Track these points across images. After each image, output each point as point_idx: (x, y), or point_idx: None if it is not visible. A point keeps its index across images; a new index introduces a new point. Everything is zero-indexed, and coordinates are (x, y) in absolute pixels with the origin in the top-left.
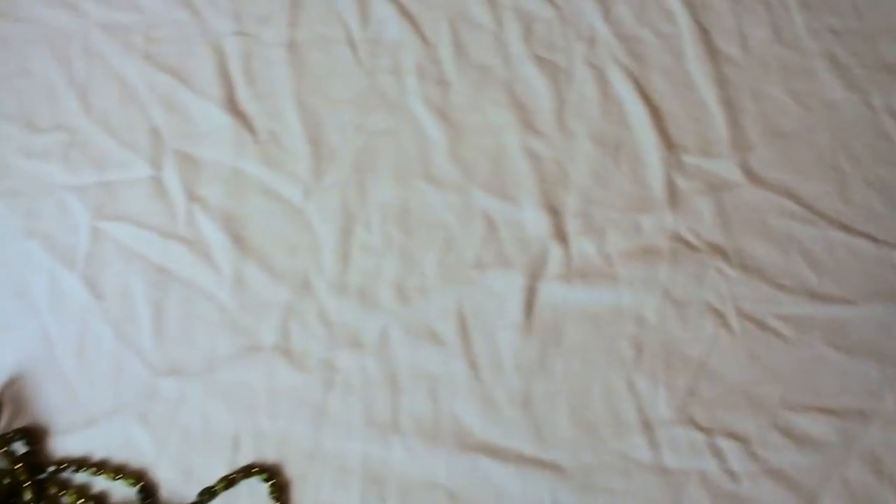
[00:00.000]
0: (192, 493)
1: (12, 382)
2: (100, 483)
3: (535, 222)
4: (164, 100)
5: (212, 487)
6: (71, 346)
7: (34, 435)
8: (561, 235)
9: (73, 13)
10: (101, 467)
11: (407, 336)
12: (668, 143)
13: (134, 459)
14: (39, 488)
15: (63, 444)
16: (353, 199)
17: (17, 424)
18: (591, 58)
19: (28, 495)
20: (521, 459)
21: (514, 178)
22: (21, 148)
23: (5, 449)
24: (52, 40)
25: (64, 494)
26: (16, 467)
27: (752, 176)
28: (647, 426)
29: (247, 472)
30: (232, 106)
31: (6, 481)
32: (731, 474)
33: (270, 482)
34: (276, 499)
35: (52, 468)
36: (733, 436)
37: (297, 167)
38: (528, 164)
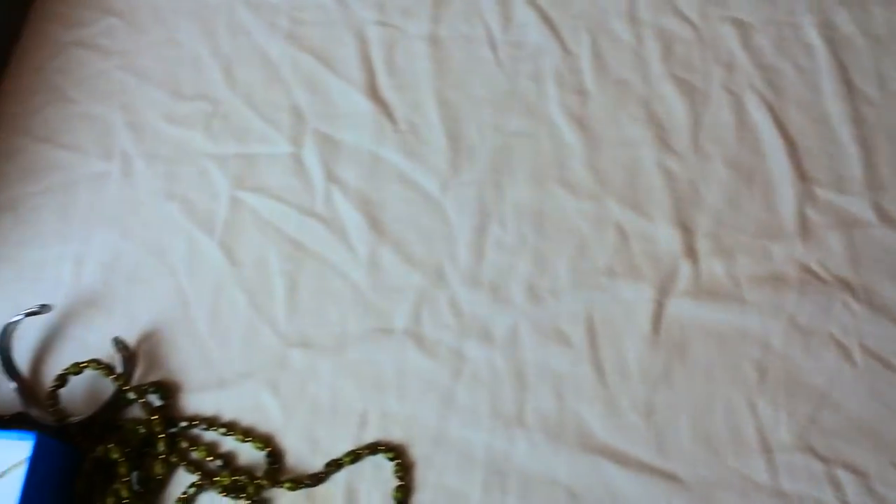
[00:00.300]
0: (317, 463)
1: (148, 337)
2: (228, 443)
3: (667, 238)
4: (306, 80)
5: (338, 460)
6: (206, 309)
7: (168, 389)
8: (691, 253)
9: None
10: (231, 428)
11: (536, 334)
12: (802, 174)
13: (261, 424)
14: (171, 441)
15: (194, 402)
16: (490, 197)
17: (152, 378)
18: (728, 83)
19: (161, 446)
20: (641, 466)
21: (647, 193)
22: (165, 114)
23: (143, 400)
24: (199, 13)
25: (194, 450)
26: (152, 419)
27: (884, 216)
28: (767, 449)
29: (373, 448)
30: (373, 93)
31: (142, 431)
32: None
33: (396, 461)
34: (401, 478)
35: (183, 423)
36: (852, 469)
37: (435, 160)
38: (663, 180)
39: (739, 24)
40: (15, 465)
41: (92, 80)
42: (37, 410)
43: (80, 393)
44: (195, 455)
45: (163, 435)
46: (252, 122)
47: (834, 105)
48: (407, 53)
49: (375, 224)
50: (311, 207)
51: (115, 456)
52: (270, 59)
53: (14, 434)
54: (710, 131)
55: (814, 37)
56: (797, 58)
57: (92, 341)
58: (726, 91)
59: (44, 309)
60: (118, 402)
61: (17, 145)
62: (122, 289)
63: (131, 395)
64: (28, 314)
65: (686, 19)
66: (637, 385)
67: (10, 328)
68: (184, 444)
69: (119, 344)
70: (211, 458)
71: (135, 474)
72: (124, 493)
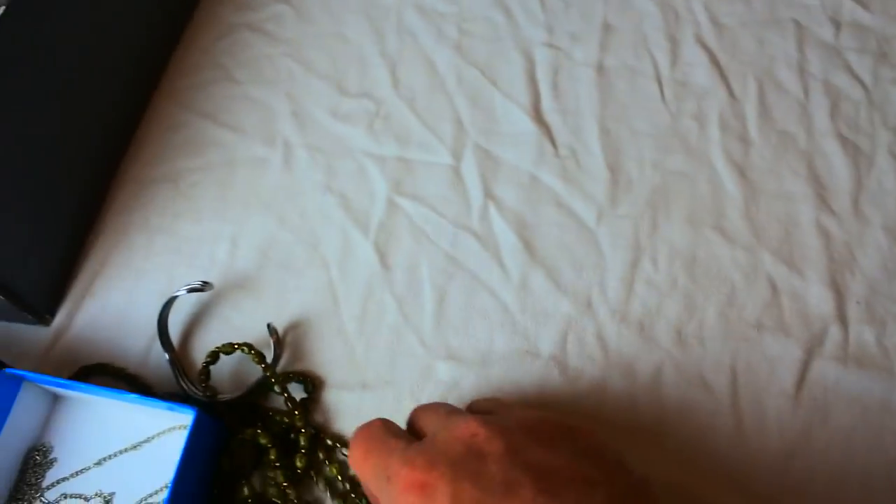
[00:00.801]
0: None
1: (295, 326)
2: None
3: (819, 299)
4: (470, 93)
5: None
6: (355, 307)
7: (312, 382)
8: (842, 318)
9: None
10: None
11: (679, 378)
12: None
13: None
14: (314, 437)
15: (335, 399)
16: (644, 233)
17: (296, 368)
18: (894, 148)
19: (302, 441)
20: None
21: (802, 251)
22: (329, 108)
23: (286, 394)
24: (367, 11)
25: (340, 449)
26: (295, 413)
27: None
28: None
29: None
30: (537, 115)
31: (284, 422)
32: None
33: None
34: None
35: (328, 441)
36: None
37: (593, 189)
38: (819, 239)
39: None
40: (166, 431)
41: (258, 64)
42: (187, 384)
43: (225, 373)
44: (343, 455)
45: (303, 430)
46: (414, 127)
47: None
48: (572, 78)
49: (529, 246)
50: (466, 222)
51: (264, 441)
52: (436, 66)
53: (175, 405)
54: (871, 195)
55: None
56: None
57: (238, 322)
58: (892, 156)
59: (206, 287)
60: (263, 387)
61: (181, 119)
62: (274, 275)
63: (276, 384)
64: (190, 290)
65: (857, 78)
66: (774, 441)
67: (170, 301)
68: (329, 442)
69: (272, 330)
70: (340, 478)
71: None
72: (280, 478)
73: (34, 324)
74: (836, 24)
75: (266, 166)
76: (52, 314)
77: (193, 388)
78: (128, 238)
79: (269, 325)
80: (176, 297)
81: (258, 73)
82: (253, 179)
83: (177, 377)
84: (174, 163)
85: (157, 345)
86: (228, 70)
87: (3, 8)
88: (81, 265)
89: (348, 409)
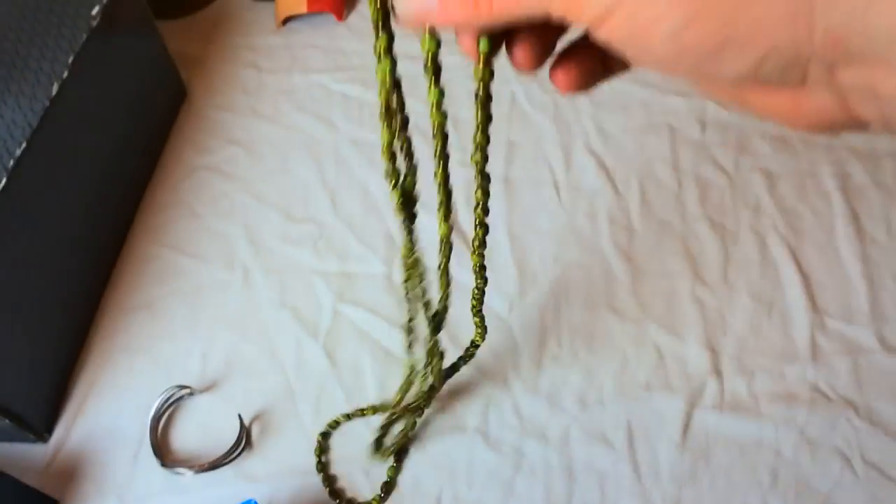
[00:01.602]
0: None
1: (258, 417)
2: None
3: (697, 358)
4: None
5: None
6: (310, 402)
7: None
8: (717, 372)
9: (329, 127)
10: None
11: (585, 436)
12: (815, 306)
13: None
14: None
15: (300, 484)
16: (549, 318)
17: (257, 455)
18: (755, 225)
19: None
20: None
21: (682, 319)
22: (279, 234)
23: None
24: (309, 146)
25: None
26: None
27: (886, 344)
28: None
29: None
30: (457, 225)
31: None
32: None
33: None
34: None
35: None
36: None
37: (505, 285)
38: (695, 308)
39: (767, 174)
40: None
41: (217, 200)
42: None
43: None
44: None
45: None
46: (352, 244)
47: (845, 245)
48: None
49: (452, 338)
50: (399, 320)
51: None
52: (369, 190)
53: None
54: (737, 266)
55: (831, 185)
56: (815, 203)
57: (210, 422)
58: (753, 232)
59: (183, 391)
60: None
61: (153, 253)
62: (240, 380)
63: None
64: (169, 400)
65: (721, 168)
66: (667, 484)
67: (157, 412)
68: None
69: (241, 420)
70: None
71: None
72: None
73: (34, 442)
74: (703, 124)
75: (228, 288)
76: (50, 432)
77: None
78: (113, 360)
79: (239, 415)
80: (159, 407)
81: (218, 208)
82: (217, 301)
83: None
84: (149, 291)
85: (144, 450)
86: (192, 206)
87: (3, 181)
88: (73, 386)
89: (310, 490)
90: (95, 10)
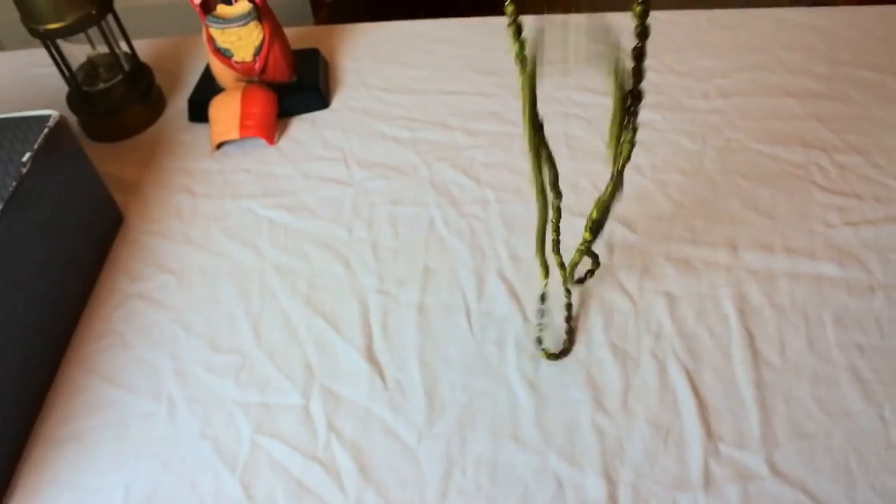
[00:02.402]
0: None
1: None
2: None
3: (595, 488)
4: (317, 340)
5: None
6: None
7: None
8: (613, 501)
9: (256, 253)
10: None
11: None
12: (709, 432)
13: None
14: None
15: None
16: (455, 448)
17: None
18: (655, 350)
19: None
20: None
21: (582, 448)
22: (205, 364)
23: None
24: (237, 274)
25: None
26: None
27: (776, 470)
28: None
29: None
30: (370, 355)
31: None
32: None
33: None
34: None
35: None
36: None
37: (414, 415)
38: (595, 436)
39: (669, 297)
40: None
41: (148, 330)
42: None
43: None
44: None
45: None
46: (272, 375)
47: (741, 369)
48: (399, 319)
49: (363, 470)
50: (313, 453)
51: None
52: (290, 319)
53: None
54: (637, 393)
55: (729, 308)
56: (713, 327)
57: None
58: (653, 357)
59: None
60: None
61: (85, 383)
62: None
63: None
64: None
65: (626, 292)
66: None
67: None
68: None
69: None
70: None
71: None
72: None
73: None
74: (610, 247)
75: (154, 420)
76: None
77: None
78: (40, 493)
79: None
80: None
81: (148, 337)
82: (143, 432)
83: None
84: (78, 422)
85: None
86: (124, 336)
87: None
88: None
89: None
90: (26, 157)
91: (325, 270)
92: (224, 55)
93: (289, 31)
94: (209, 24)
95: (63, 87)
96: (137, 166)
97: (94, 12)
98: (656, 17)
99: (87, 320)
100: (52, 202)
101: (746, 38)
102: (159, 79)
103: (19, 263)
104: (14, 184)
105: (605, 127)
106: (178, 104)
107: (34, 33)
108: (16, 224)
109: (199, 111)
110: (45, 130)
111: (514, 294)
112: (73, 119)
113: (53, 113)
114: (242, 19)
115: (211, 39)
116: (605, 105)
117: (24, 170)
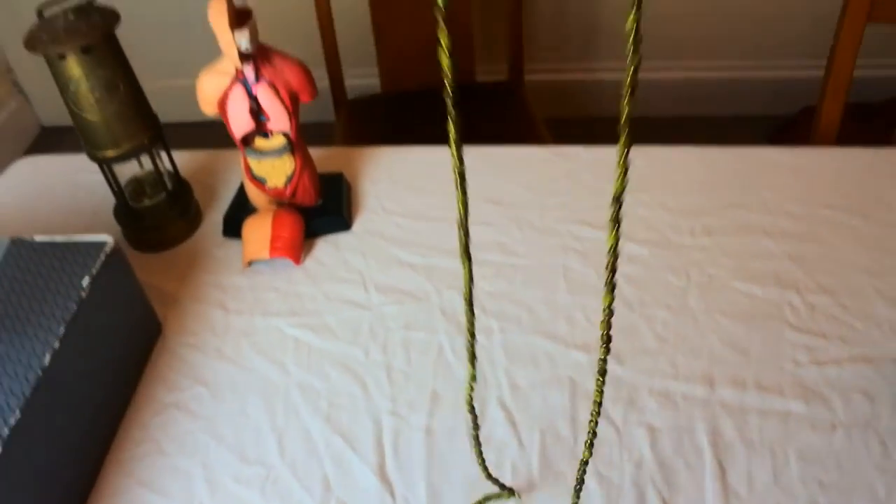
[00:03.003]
0: None
1: None
2: None
3: None
4: (334, 457)
5: None
6: None
7: None
8: None
9: (282, 370)
10: None
11: None
12: None
13: None
14: None
15: None
16: None
17: None
18: (636, 478)
19: None
20: None
21: None
22: (233, 474)
23: None
24: (264, 390)
25: None
26: None
27: None
28: None
29: None
30: (382, 473)
31: None
32: None
33: None
34: None
35: None
36: None
37: None
38: None
39: (651, 429)
40: None
41: (182, 438)
42: None
43: None
44: None
45: None
46: (294, 487)
47: (712, 500)
48: (408, 441)
49: None
50: None
51: None
52: (311, 435)
53: None
54: None
55: (703, 441)
56: (689, 458)
57: None
58: (634, 485)
59: None
60: None
61: (123, 486)
62: None
63: None
64: None
65: (611, 422)
66: None
67: None
68: None
69: None
70: None
71: None
72: None
73: None
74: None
75: None
76: None
77: None
78: None
79: None
80: None
81: (182, 446)
82: None
83: None
84: None
85: None
86: (160, 444)
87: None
88: None
89: None
90: (86, 282)
91: (343, 391)
92: (259, 181)
93: (315, 151)
94: (248, 155)
95: (108, 195)
96: (176, 279)
97: (146, 142)
98: (649, 153)
99: (126, 426)
100: (104, 319)
101: (732, 176)
102: (196, 192)
103: (73, 375)
104: (75, 307)
105: (600, 260)
106: (214, 218)
107: (93, 157)
108: (74, 343)
109: (232, 228)
110: (102, 257)
111: (511, 421)
112: (117, 229)
113: (109, 239)
114: (278, 153)
115: (248, 168)
116: (600, 238)
117: (84, 294)
